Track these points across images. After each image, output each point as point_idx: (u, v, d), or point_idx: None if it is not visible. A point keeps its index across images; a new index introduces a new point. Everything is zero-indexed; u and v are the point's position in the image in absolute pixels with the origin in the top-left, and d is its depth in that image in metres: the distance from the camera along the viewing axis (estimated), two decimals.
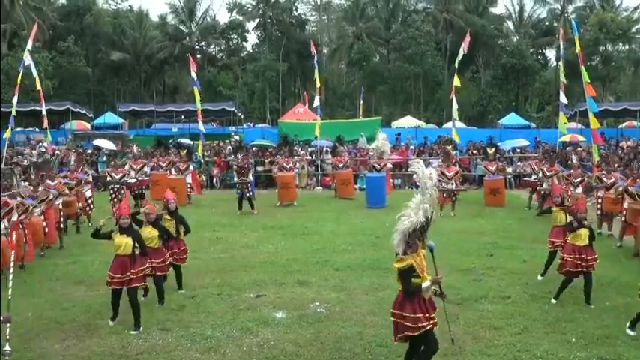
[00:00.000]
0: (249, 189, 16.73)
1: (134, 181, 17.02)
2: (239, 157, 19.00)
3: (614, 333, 7.02)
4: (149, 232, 8.10)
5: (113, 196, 16.24)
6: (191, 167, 18.61)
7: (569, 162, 18.98)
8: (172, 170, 18.38)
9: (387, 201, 17.28)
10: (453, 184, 16.43)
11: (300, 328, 7.27)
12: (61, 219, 12.71)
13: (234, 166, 18.26)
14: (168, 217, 8.75)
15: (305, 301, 8.34)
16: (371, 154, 20.62)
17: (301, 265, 10.39)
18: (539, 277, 9.34)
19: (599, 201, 13.18)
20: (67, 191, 13.07)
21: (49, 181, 12.99)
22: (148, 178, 18.03)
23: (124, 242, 7.31)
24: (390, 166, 18.25)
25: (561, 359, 6.34)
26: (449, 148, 22.42)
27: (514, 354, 6.44)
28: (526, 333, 7.07)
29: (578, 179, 14.43)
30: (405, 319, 5.37)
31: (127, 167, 17.36)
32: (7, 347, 5.72)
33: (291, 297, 8.53)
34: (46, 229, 11.58)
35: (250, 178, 17.12)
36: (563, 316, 7.64)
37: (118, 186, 16.34)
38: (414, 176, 6.34)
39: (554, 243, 9.29)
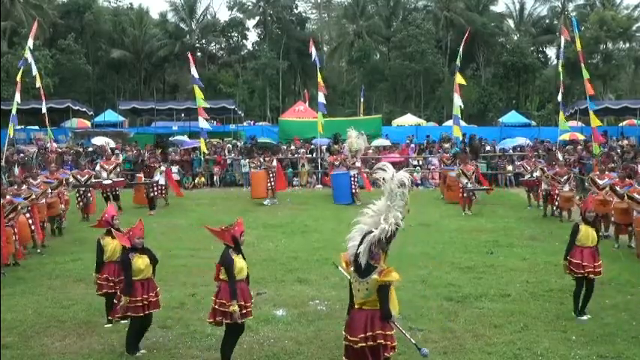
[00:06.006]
0: (154, 188, 16.50)
1: (109, 182, 16.33)
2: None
3: (614, 331, 7.03)
4: None
5: (79, 199, 15.26)
6: (162, 167, 17.33)
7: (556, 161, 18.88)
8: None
9: (356, 198, 17.12)
10: (472, 182, 16.27)
11: (301, 326, 7.28)
12: (45, 218, 12.50)
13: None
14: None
15: (305, 299, 8.35)
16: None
17: (301, 263, 10.41)
18: (581, 318, 7.44)
19: None
20: (49, 191, 12.84)
21: (31, 180, 12.90)
22: (122, 179, 17.55)
23: (147, 263, 6.59)
24: (358, 164, 18.33)
25: (562, 357, 6.34)
26: (447, 145, 22.43)
27: (514, 352, 6.44)
28: (526, 331, 7.07)
29: (565, 177, 14.47)
30: (392, 339, 4.90)
31: (97, 167, 16.77)
32: None
33: (292, 295, 8.54)
34: (32, 227, 11.39)
35: (157, 177, 16.72)
36: (564, 314, 7.64)
37: (84, 188, 15.24)
38: (381, 180, 5.09)
39: (585, 268, 7.35)
